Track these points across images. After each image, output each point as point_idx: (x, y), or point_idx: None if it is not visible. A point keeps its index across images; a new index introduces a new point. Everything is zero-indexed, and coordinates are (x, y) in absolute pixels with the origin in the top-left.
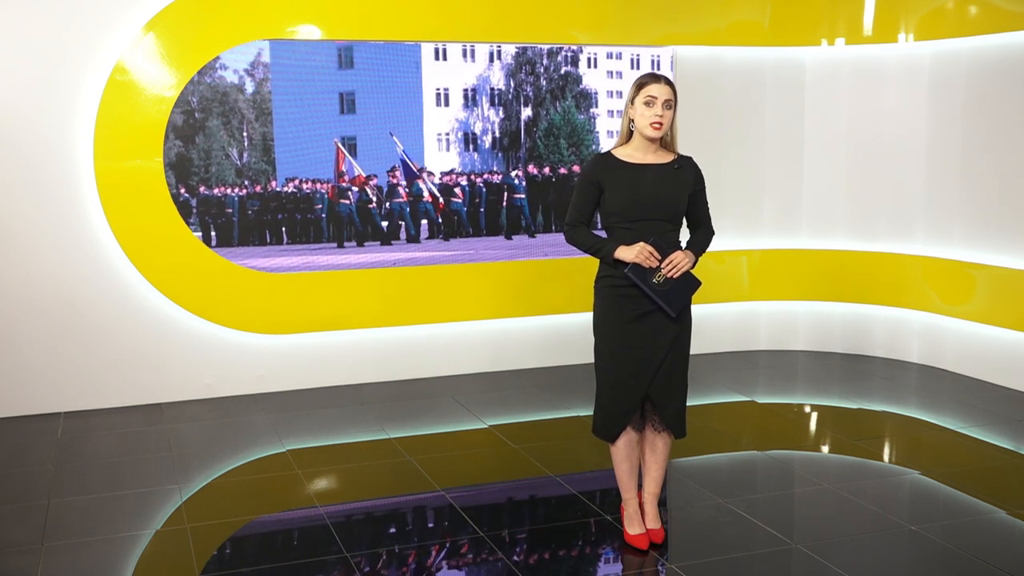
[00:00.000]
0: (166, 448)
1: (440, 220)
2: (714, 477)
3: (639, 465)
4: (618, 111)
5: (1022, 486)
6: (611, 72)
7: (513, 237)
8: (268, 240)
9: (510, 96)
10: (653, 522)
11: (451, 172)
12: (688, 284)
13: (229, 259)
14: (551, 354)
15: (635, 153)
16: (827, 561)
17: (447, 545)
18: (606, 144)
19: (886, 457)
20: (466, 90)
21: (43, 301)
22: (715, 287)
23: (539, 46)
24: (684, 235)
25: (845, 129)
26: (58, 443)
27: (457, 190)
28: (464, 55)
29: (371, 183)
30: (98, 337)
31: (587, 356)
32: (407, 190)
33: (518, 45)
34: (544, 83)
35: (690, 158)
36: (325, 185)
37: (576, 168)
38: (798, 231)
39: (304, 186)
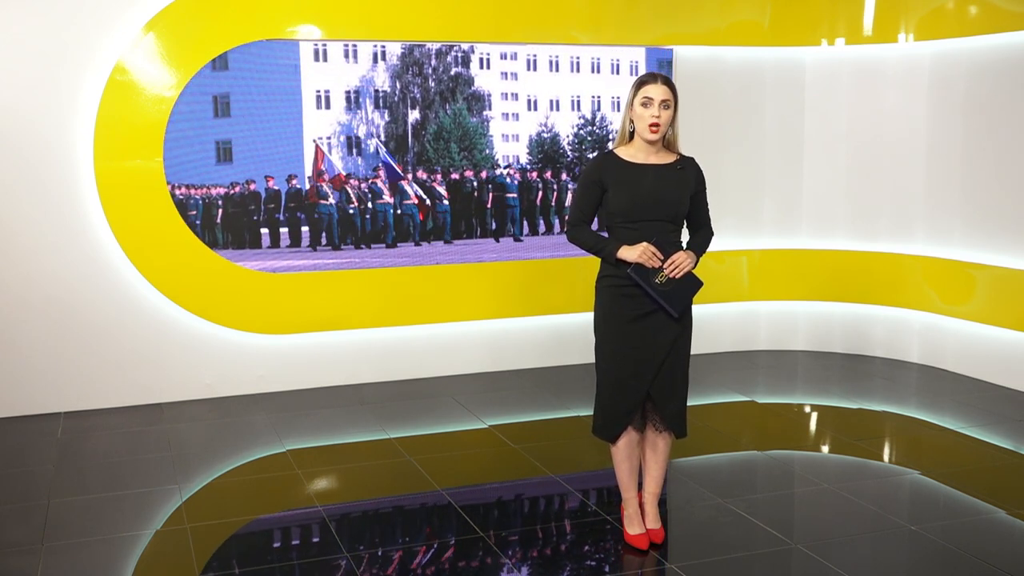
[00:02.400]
0: (166, 448)
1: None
2: (714, 477)
3: (639, 465)
4: (514, 114)
5: (1022, 486)
6: (505, 73)
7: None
8: None
9: (396, 98)
10: (653, 522)
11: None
12: (690, 284)
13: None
14: (551, 354)
15: (638, 153)
16: (827, 561)
17: (447, 545)
18: (500, 148)
19: (886, 457)
20: (348, 92)
21: (43, 301)
22: (715, 287)
23: (428, 46)
24: (683, 236)
25: (845, 129)
26: (58, 443)
27: (443, 191)
28: (346, 55)
29: (351, 183)
30: (98, 337)
31: (587, 356)
32: (391, 191)
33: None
34: (433, 84)
35: (692, 159)
36: (199, 191)
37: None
38: (798, 231)
39: (177, 192)
